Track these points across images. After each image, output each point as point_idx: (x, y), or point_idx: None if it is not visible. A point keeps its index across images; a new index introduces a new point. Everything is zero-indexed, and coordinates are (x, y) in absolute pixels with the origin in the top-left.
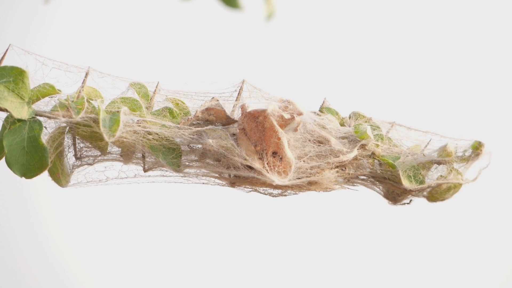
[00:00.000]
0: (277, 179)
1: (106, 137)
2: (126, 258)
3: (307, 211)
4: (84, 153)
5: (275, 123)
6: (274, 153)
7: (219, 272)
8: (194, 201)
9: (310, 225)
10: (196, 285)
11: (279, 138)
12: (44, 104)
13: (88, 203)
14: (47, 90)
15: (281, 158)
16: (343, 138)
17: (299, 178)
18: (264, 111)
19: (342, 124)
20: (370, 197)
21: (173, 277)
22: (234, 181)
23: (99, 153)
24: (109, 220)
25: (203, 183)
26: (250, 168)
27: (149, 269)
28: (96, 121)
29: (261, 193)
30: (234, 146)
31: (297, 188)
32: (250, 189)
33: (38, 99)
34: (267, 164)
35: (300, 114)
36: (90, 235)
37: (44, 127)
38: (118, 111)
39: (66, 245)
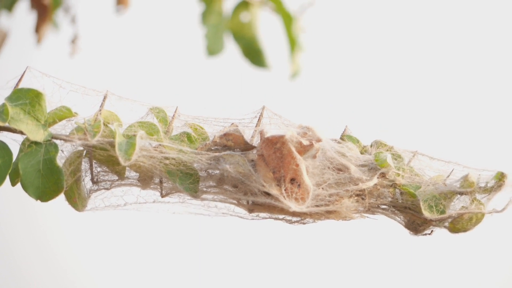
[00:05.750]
0: (294, 206)
1: (121, 160)
2: (127, 258)
3: (325, 239)
4: (101, 177)
5: (293, 149)
6: (292, 180)
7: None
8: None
9: (328, 252)
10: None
11: (297, 165)
12: (61, 127)
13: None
14: (64, 113)
15: (299, 185)
16: (363, 166)
17: (318, 206)
18: (282, 137)
19: (362, 153)
20: (391, 226)
21: (173, 278)
22: (252, 208)
23: (117, 178)
24: (110, 220)
25: (223, 214)
26: (268, 194)
27: (149, 269)
28: (112, 144)
29: (279, 219)
30: (252, 172)
31: (316, 216)
32: (268, 216)
33: (54, 122)
34: (285, 190)
35: (319, 140)
36: (90, 235)
37: (61, 150)
38: (134, 135)
39: (66, 245)
